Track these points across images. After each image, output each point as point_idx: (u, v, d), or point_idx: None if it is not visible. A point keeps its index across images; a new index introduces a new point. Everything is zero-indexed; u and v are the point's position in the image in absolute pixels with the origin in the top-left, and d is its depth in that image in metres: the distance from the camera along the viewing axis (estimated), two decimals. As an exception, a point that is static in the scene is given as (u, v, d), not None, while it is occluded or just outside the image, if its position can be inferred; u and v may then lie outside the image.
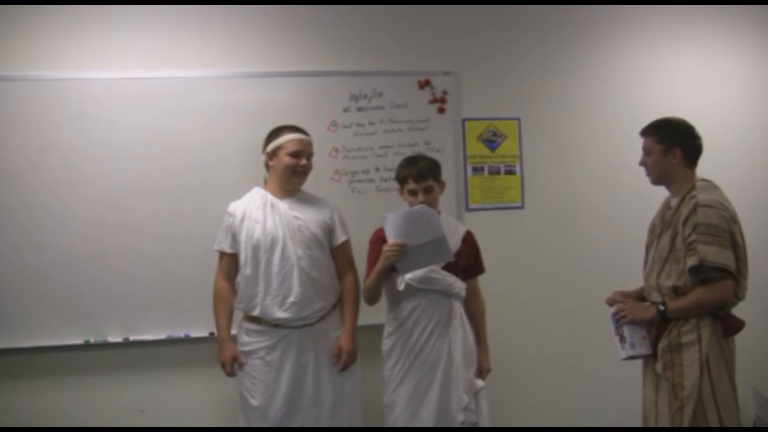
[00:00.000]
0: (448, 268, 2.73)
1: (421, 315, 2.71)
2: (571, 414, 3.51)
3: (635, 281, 2.69)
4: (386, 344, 2.78)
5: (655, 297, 2.50)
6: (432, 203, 2.70)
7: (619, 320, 2.50)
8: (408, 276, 2.69)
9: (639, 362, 2.59)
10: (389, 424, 2.75)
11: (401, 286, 2.71)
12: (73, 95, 3.08)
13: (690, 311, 2.38)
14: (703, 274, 2.34)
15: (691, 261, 2.34)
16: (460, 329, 2.72)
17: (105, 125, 3.10)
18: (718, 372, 2.36)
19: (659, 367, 2.42)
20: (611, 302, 2.60)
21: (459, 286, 2.75)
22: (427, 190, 2.70)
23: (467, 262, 2.80)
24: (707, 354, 2.34)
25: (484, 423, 2.72)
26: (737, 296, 2.40)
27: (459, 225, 2.87)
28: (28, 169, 3.05)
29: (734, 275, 2.34)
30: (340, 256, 2.85)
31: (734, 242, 2.36)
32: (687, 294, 2.38)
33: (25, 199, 3.05)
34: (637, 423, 2.65)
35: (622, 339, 2.48)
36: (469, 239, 2.83)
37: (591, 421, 3.48)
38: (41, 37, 3.11)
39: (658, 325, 2.45)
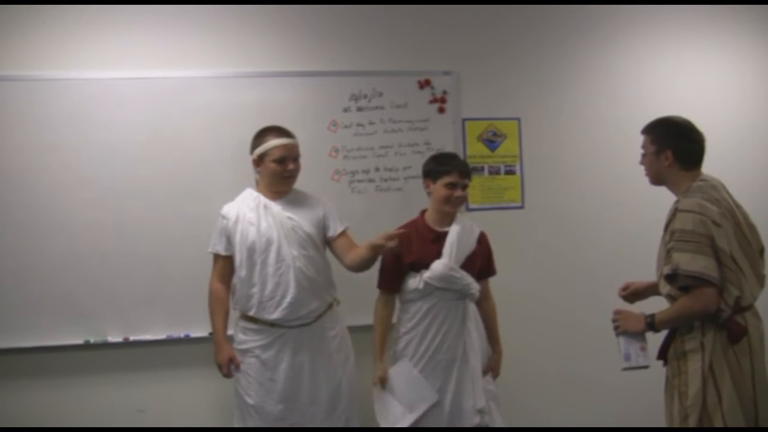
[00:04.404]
0: (466, 268, 2.71)
1: (437, 315, 2.69)
2: (568, 413, 3.51)
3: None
4: (399, 344, 2.76)
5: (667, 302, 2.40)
6: (464, 201, 2.76)
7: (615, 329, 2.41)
8: (427, 275, 2.67)
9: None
10: None
11: (420, 285, 2.69)
12: (73, 95, 3.08)
13: (676, 321, 2.29)
14: (679, 282, 2.21)
15: (666, 269, 2.25)
16: (475, 331, 2.71)
17: (105, 125, 3.10)
18: (723, 381, 2.22)
19: (669, 374, 2.36)
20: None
21: (475, 287, 2.73)
22: (464, 188, 2.72)
23: (481, 263, 2.79)
24: (710, 362, 2.22)
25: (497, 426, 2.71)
26: (726, 304, 2.21)
27: (474, 226, 2.83)
28: (28, 169, 3.05)
29: (712, 283, 2.16)
30: (343, 243, 2.79)
31: (715, 247, 2.19)
32: (673, 304, 2.29)
33: (24, 200, 3.04)
34: (635, 423, 2.64)
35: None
36: (483, 240, 2.81)
37: (589, 420, 3.47)
38: (41, 37, 3.11)
39: (668, 332, 2.37)
